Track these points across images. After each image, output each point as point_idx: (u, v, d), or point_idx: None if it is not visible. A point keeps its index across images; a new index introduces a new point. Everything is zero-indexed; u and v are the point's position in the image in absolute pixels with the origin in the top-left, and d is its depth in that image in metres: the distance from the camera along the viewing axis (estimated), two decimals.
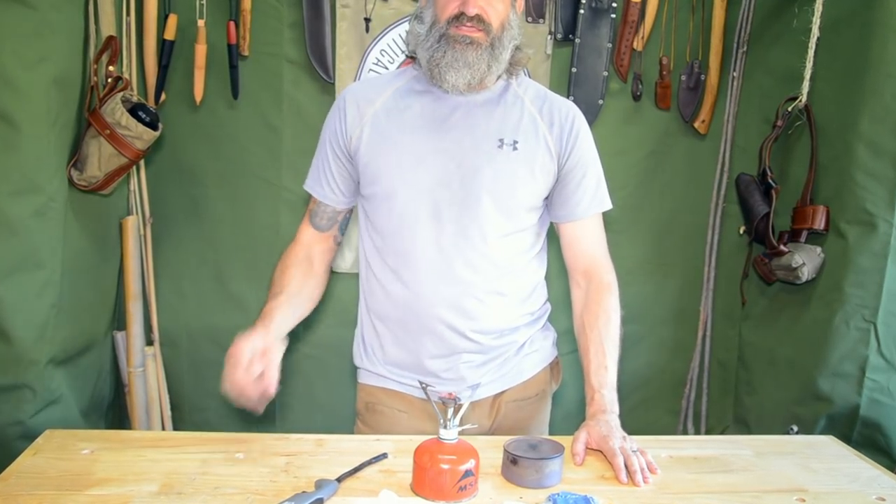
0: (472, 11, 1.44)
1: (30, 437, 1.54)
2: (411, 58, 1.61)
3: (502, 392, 1.66)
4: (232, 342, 2.49)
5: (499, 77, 1.56)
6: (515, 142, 1.52)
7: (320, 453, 1.44)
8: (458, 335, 1.56)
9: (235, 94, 2.39)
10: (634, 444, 1.43)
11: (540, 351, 1.70)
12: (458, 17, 1.45)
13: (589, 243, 1.64)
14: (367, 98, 1.57)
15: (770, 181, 2.33)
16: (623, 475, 1.36)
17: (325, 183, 1.61)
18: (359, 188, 1.62)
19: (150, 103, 2.28)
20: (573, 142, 1.57)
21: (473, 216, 1.51)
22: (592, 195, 1.61)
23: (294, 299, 1.56)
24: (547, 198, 1.61)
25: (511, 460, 1.34)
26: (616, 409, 1.51)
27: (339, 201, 1.63)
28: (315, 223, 1.65)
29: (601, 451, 1.45)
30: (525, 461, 1.32)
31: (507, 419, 1.66)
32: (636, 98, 2.55)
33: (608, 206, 1.64)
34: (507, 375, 1.65)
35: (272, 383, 1.36)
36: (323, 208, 1.64)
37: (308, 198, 1.68)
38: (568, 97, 2.46)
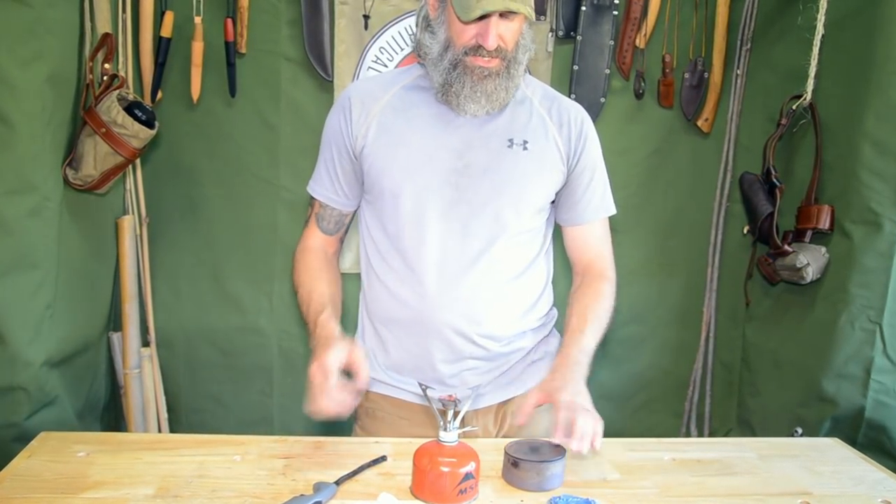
0: (491, 46, 1.39)
1: (24, 439, 1.53)
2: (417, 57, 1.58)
3: (507, 401, 1.63)
4: (229, 343, 2.47)
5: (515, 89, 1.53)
6: (525, 141, 1.51)
7: (319, 456, 1.43)
8: (465, 340, 1.53)
9: (233, 93, 2.38)
10: (590, 407, 1.36)
11: (546, 359, 1.67)
12: (476, 49, 1.41)
13: (594, 246, 1.63)
14: (372, 96, 1.54)
15: (774, 180, 2.32)
16: (562, 434, 1.28)
17: (330, 185, 1.58)
18: (363, 189, 1.59)
19: (147, 101, 2.25)
20: (582, 144, 1.55)
21: (482, 216, 1.49)
22: (600, 199, 1.60)
23: (337, 305, 1.54)
24: (553, 200, 1.60)
25: (512, 463, 1.32)
26: (583, 369, 1.43)
27: (345, 204, 1.61)
28: (323, 227, 1.62)
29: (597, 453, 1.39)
30: (526, 464, 1.31)
31: (511, 429, 1.63)
32: (638, 96, 2.54)
33: (613, 210, 1.63)
34: (513, 384, 1.62)
35: (365, 381, 1.36)
36: (329, 212, 1.61)
37: (309, 200, 1.65)
38: (569, 95, 2.45)
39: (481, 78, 1.42)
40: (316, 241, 1.63)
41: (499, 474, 1.36)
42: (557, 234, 1.68)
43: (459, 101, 1.45)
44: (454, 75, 1.44)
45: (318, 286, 1.54)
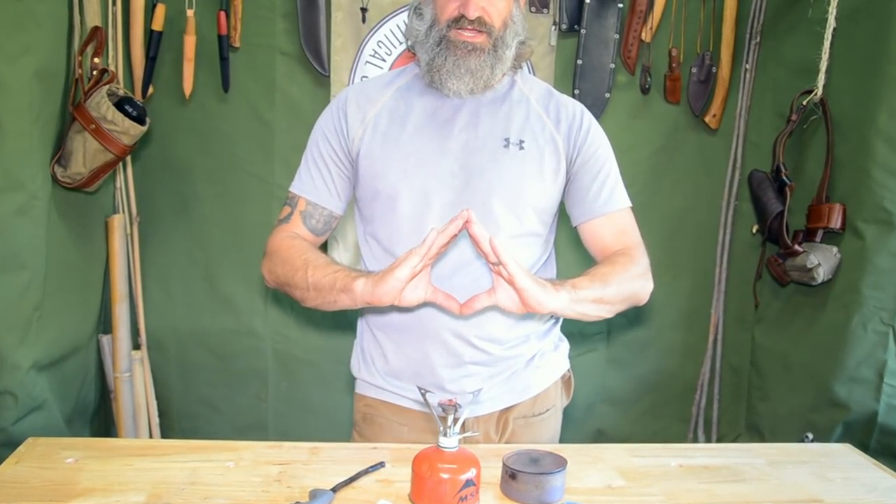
0: (472, 15, 1.41)
1: (11, 444, 1.51)
2: (411, 52, 1.58)
3: (510, 408, 1.60)
4: (222, 346, 2.45)
5: (504, 74, 1.53)
6: (521, 141, 1.50)
7: (315, 462, 1.41)
8: (464, 343, 1.51)
9: (226, 88, 2.37)
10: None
11: (550, 364, 1.64)
12: (459, 20, 1.42)
13: (615, 240, 1.55)
14: (368, 98, 1.54)
15: (784, 178, 2.31)
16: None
17: (322, 185, 1.55)
18: (355, 192, 1.57)
19: (138, 97, 2.24)
20: (583, 137, 1.53)
21: (480, 217, 1.45)
22: (610, 191, 1.54)
23: None
24: (562, 203, 1.57)
25: (510, 475, 1.29)
26: (560, 292, 1.34)
27: (337, 206, 1.57)
28: (310, 225, 1.57)
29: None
30: (525, 476, 1.27)
31: (514, 437, 1.61)
32: (644, 91, 2.52)
33: (628, 203, 1.57)
34: (515, 390, 1.59)
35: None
36: (319, 210, 1.57)
37: (285, 201, 1.60)
38: (573, 90, 2.45)
39: (465, 53, 1.43)
40: (302, 234, 1.56)
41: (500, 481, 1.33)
42: (558, 244, 1.66)
43: (442, 78, 1.45)
44: (438, 51, 1.45)
45: (324, 257, 1.46)
